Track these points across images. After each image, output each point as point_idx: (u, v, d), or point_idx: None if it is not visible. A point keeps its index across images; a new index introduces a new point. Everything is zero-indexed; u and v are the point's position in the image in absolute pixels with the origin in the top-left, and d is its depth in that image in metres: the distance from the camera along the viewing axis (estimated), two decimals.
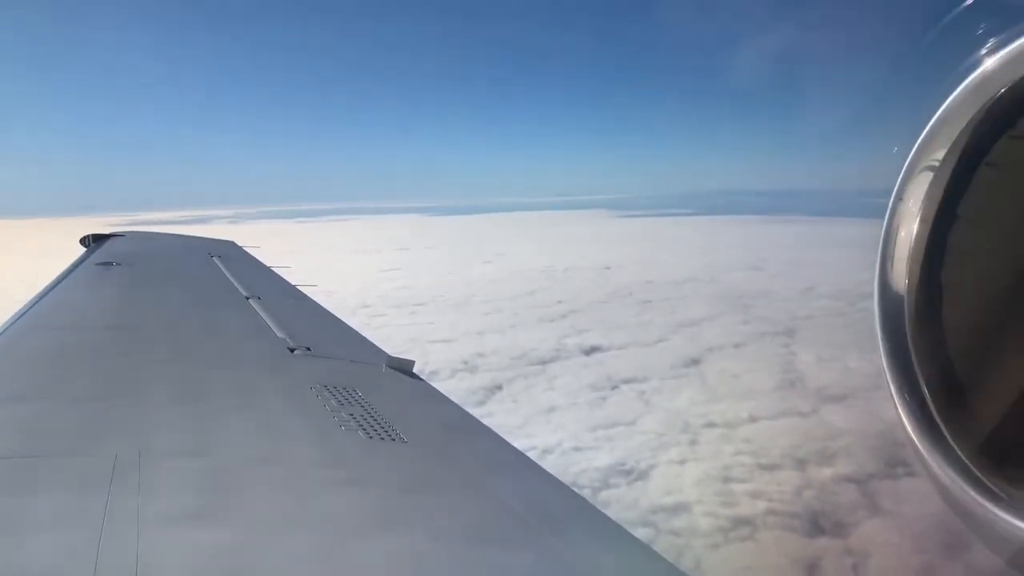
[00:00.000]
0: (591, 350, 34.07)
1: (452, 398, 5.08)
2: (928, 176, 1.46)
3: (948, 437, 1.38)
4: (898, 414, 1.47)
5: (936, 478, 1.37)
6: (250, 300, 7.61)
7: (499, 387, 28.79)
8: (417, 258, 74.30)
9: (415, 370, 5.63)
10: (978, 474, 1.30)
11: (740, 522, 18.23)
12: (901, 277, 1.50)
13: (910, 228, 1.48)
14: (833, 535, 17.62)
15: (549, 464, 20.99)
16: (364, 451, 3.61)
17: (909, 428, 1.44)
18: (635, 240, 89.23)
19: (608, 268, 60.78)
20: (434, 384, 5.60)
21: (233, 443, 3.47)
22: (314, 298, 8.78)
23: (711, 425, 24.31)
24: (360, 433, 3.82)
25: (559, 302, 45.24)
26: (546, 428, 24.11)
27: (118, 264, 9.30)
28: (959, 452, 1.35)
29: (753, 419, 24.73)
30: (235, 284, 8.68)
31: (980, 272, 1.46)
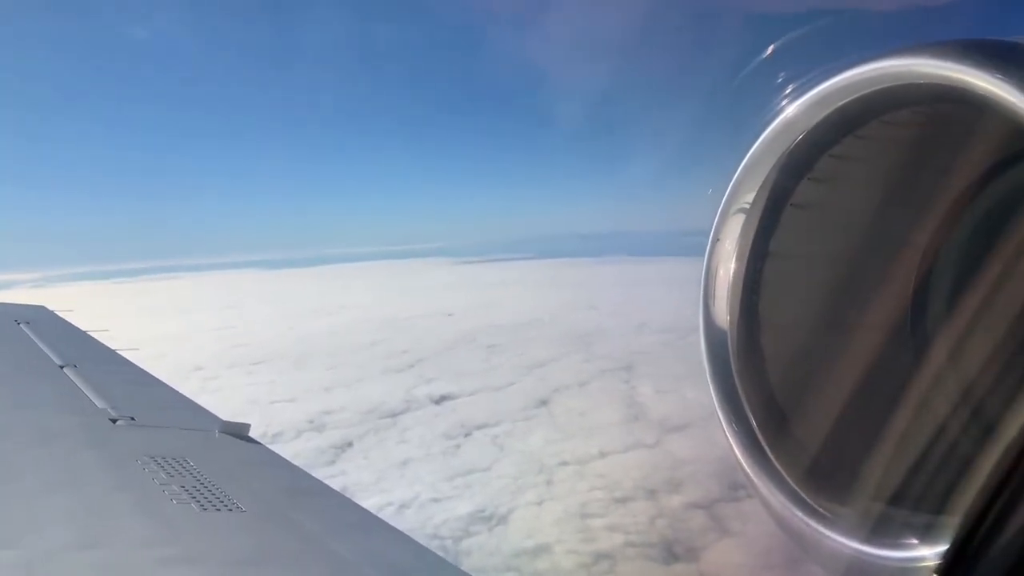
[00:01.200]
0: (441, 399, 33.91)
1: (299, 460, 4.91)
2: (741, 217, 1.58)
3: (775, 462, 1.46)
4: (728, 443, 1.54)
5: (766, 502, 1.45)
6: (65, 369, 7.09)
7: (349, 444, 27.98)
8: (252, 315, 70.65)
9: (252, 433, 5.42)
10: (804, 496, 1.39)
11: (601, 556, 18.70)
12: (723, 313, 1.60)
13: (728, 266, 1.60)
14: (687, 560, 18.52)
15: (408, 518, 20.62)
16: (198, 524, 3.41)
17: (739, 455, 1.52)
18: (476, 286, 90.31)
19: (451, 315, 60.97)
20: (279, 446, 5.37)
21: (49, 529, 3.14)
22: (137, 363, 8.26)
23: (564, 464, 24.87)
24: (193, 505, 3.61)
25: (405, 352, 44.74)
26: (402, 482, 23.65)
27: None
28: (785, 476, 1.44)
29: (603, 454, 25.59)
30: (47, 352, 8.04)
31: (793, 305, 1.59)
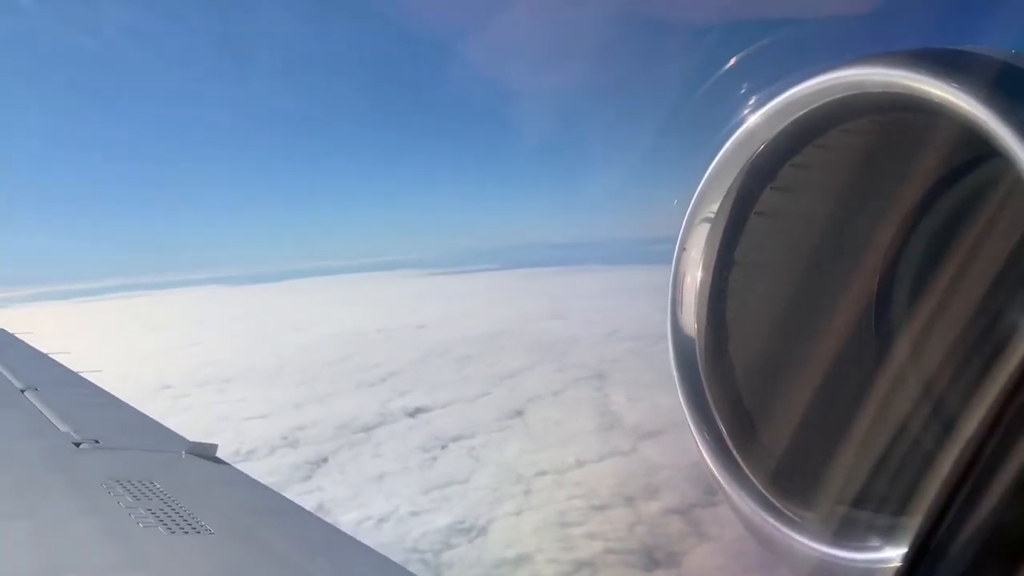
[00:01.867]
0: (416, 411, 33.72)
1: (274, 476, 4.88)
2: (706, 226, 1.61)
3: (743, 466, 1.49)
4: (698, 449, 1.56)
5: (736, 506, 1.47)
6: (25, 392, 6.97)
7: (324, 459, 27.68)
8: (220, 331, 69.50)
9: (225, 451, 5.39)
10: (772, 499, 1.41)
11: (582, 565, 18.74)
12: (690, 320, 1.63)
13: (694, 275, 1.63)
14: (667, 566, 18.64)
15: (386, 533, 20.45)
16: (166, 548, 3.36)
17: (708, 461, 1.54)
18: (446, 298, 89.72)
19: (423, 327, 60.64)
20: (253, 464, 5.34)
21: (12, 556, 3.08)
22: (101, 385, 8.13)
23: (542, 473, 24.89)
24: (160, 529, 3.55)
25: (377, 365, 44.38)
26: (379, 496, 23.44)
27: None
28: (754, 480, 1.46)
29: (580, 463, 25.67)
30: (6, 375, 7.88)
31: (759, 311, 1.62)
